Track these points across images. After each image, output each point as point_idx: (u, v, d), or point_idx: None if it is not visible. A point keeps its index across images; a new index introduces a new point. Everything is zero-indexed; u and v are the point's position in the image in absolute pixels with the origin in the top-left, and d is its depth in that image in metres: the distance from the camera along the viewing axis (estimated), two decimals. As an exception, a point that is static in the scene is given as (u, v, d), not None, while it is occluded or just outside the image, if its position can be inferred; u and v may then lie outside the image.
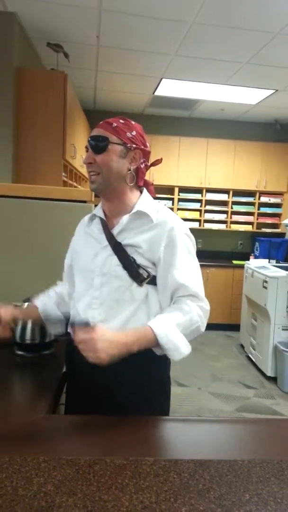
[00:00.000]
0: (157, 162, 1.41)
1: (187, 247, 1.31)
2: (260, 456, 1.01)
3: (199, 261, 1.35)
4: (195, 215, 5.82)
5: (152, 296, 1.30)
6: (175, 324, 1.21)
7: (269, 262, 4.66)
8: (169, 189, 5.74)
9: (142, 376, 1.30)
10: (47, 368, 1.53)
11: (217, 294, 5.41)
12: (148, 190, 1.41)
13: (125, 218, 1.31)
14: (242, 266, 4.91)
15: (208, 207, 5.84)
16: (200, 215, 5.82)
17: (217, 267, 5.45)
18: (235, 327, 5.03)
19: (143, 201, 1.34)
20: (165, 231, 1.28)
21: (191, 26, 3.03)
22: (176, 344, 1.20)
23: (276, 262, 4.82)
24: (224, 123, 5.92)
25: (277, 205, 5.96)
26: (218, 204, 5.88)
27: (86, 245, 1.39)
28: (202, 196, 5.80)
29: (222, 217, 5.87)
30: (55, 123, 3.17)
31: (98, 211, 1.41)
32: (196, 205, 5.83)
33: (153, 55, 3.65)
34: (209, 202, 5.86)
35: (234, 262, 5.65)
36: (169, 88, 4.53)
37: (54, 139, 3.18)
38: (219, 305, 5.39)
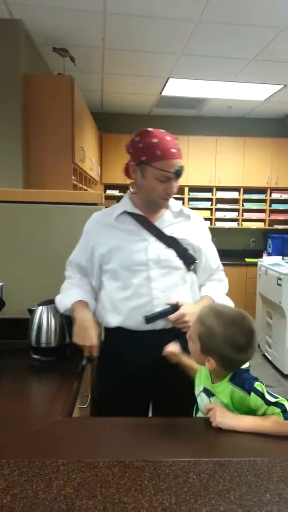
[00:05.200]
0: None
1: (210, 234, 1.63)
2: (280, 455, 1.00)
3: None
4: (206, 214, 5.78)
5: (194, 277, 1.56)
6: (221, 291, 1.62)
7: (282, 259, 4.60)
8: (179, 189, 5.70)
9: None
10: (63, 371, 1.54)
11: (230, 293, 5.34)
12: None
13: (167, 215, 1.53)
14: (255, 264, 4.86)
15: (219, 206, 5.81)
16: (211, 214, 5.79)
17: (229, 266, 5.37)
18: (250, 326, 4.97)
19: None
20: (199, 224, 1.58)
21: (196, 24, 3.02)
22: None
23: (290, 259, 4.76)
24: (233, 120, 5.88)
25: (289, 201, 5.90)
26: (229, 202, 5.84)
27: (126, 241, 1.47)
28: (212, 195, 5.77)
29: (233, 215, 5.83)
30: (63, 127, 3.19)
31: (132, 208, 1.50)
32: (207, 204, 5.80)
33: (159, 55, 3.65)
34: (219, 201, 5.82)
35: (247, 260, 5.61)
36: (176, 87, 4.52)
37: (63, 143, 3.20)
38: (233, 303, 5.34)
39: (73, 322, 1.48)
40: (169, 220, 1.52)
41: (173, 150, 1.40)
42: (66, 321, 1.65)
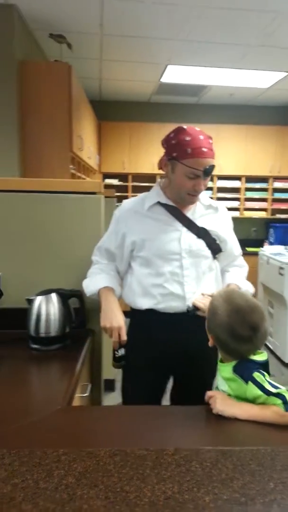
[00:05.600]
0: None
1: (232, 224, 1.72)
2: (283, 444, 0.99)
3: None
4: (207, 203, 5.74)
5: (218, 264, 1.64)
6: (244, 277, 1.72)
7: (285, 248, 4.57)
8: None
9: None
10: (62, 360, 1.53)
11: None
12: None
13: (199, 207, 1.59)
14: (256, 254, 4.84)
15: (220, 195, 5.76)
16: (212, 203, 5.75)
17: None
18: (251, 315, 4.96)
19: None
20: (225, 215, 1.67)
21: (196, 9, 2.95)
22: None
23: (292, 248, 4.72)
24: (235, 108, 5.80)
25: (291, 190, 5.84)
26: (230, 191, 5.80)
27: (160, 231, 1.54)
28: (213, 183, 5.73)
29: (235, 204, 5.79)
30: (61, 115, 3.14)
31: (165, 199, 1.56)
32: (208, 193, 5.76)
33: (158, 41, 3.58)
34: (221, 190, 5.77)
35: (248, 249, 5.57)
36: (175, 74, 4.45)
37: (60, 131, 3.15)
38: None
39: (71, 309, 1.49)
40: (201, 212, 1.60)
41: (204, 149, 1.43)
42: (66, 309, 1.65)
